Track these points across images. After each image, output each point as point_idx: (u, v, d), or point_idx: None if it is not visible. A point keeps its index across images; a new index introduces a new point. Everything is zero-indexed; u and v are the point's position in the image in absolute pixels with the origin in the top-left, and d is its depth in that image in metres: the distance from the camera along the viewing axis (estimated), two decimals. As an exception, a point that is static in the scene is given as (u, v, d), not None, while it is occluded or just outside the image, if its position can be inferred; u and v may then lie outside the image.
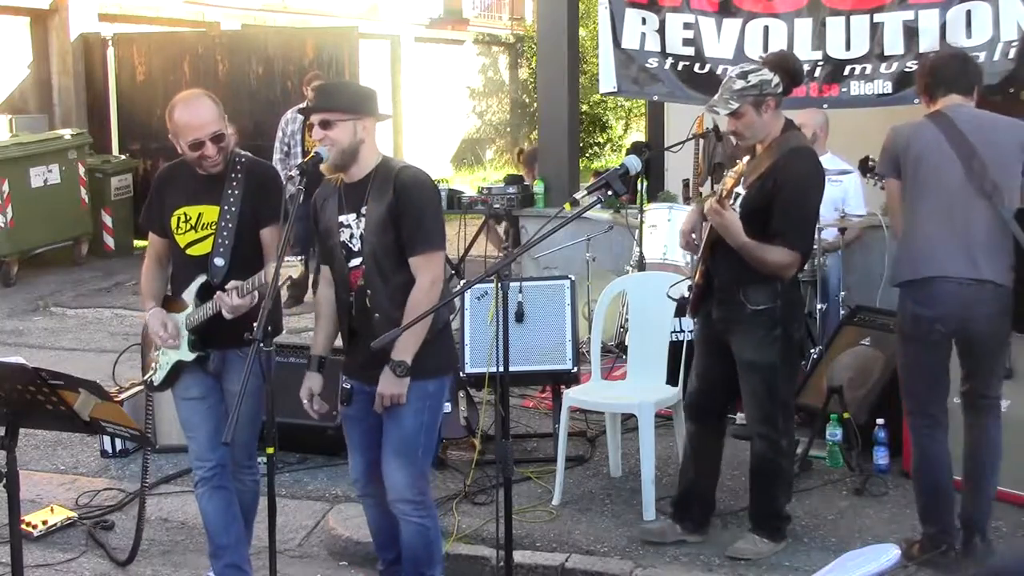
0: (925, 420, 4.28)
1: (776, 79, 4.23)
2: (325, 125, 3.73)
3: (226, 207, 3.98)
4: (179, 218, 4.04)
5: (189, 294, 4.02)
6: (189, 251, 4.03)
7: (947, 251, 4.11)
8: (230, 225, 3.97)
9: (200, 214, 4.01)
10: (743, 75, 4.25)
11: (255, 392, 3.87)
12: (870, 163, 4.78)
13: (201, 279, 3.99)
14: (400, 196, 3.71)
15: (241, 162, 4.06)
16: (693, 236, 4.47)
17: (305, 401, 3.93)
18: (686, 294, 4.84)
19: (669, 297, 5.13)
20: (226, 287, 3.81)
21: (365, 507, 4.16)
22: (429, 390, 3.82)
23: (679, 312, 5.31)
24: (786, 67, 4.32)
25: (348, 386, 3.91)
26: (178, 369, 4.06)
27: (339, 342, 4.02)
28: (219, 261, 3.96)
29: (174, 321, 4.02)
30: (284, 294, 3.85)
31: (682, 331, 5.79)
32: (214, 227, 3.98)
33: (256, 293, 3.74)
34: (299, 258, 3.66)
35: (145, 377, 4.22)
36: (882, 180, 4.63)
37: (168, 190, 4.11)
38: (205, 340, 4.00)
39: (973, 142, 4.11)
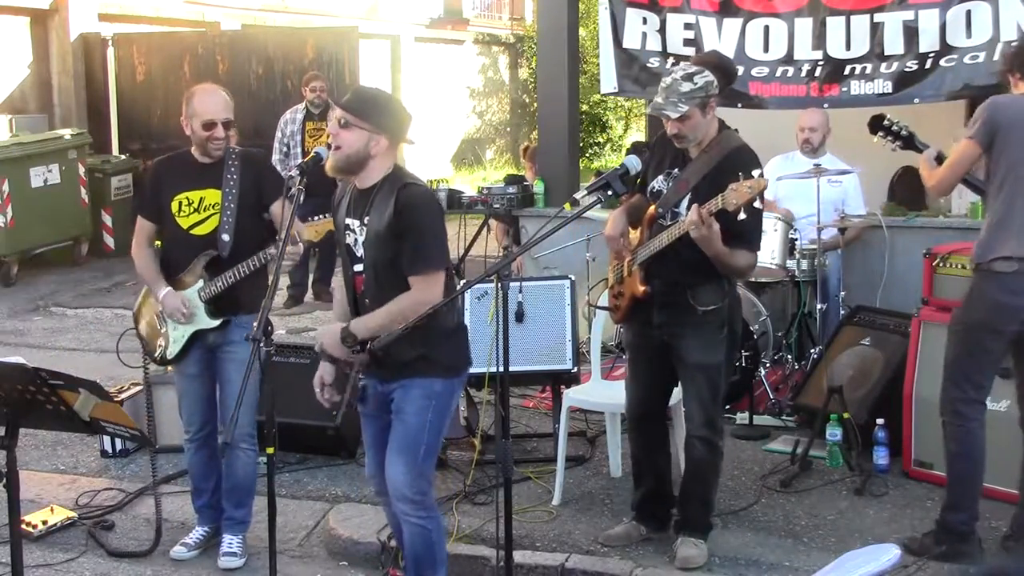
0: (978, 407, 4.28)
1: (715, 80, 4.19)
2: (342, 123, 3.69)
3: (227, 190, 4.43)
4: (180, 202, 4.47)
5: (196, 269, 4.45)
6: (193, 231, 4.46)
7: None
8: (232, 205, 4.43)
9: (202, 198, 4.46)
10: (688, 77, 4.15)
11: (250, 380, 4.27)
12: (885, 122, 4.57)
13: (208, 255, 4.42)
14: (401, 215, 3.65)
15: (236, 152, 4.53)
16: (622, 239, 4.39)
17: (317, 390, 3.88)
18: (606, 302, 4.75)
19: (594, 307, 5.07)
20: (277, 237, 4.16)
21: (383, 505, 4.15)
22: (436, 389, 3.78)
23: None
24: (724, 68, 4.33)
25: (362, 384, 3.90)
26: (194, 339, 4.49)
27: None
28: (225, 236, 4.42)
29: (188, 298, 4.43)
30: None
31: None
32: (216, 208, 4.43)
33: (300, 243, 4.31)
34: (326, 215, 4.18)
35: (156, 354, 4.62)
36: (896, 141, 4.54)
37: (167, 178, 4.54)
38: (220, 308, 4.44)
39: None
